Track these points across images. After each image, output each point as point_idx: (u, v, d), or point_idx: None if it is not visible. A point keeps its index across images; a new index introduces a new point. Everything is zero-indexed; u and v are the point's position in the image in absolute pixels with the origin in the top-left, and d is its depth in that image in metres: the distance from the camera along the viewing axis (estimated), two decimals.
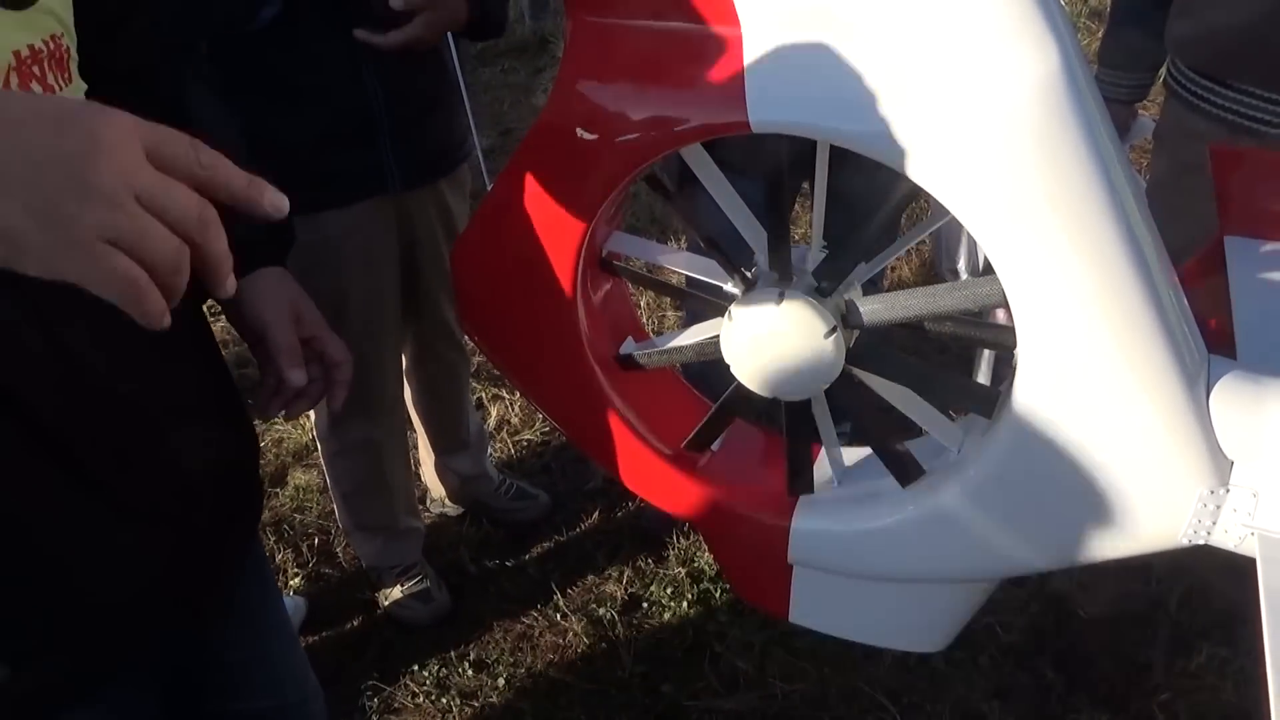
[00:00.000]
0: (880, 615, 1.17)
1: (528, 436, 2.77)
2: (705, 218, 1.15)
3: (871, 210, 0.98)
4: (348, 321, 1.80)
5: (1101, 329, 0.85)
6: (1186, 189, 1.70)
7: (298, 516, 2.53)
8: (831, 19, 0.84)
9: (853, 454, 1.20)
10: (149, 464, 0.92)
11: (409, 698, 2.07)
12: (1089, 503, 0.93)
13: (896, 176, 0.89)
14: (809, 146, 0.99)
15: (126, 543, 0.91)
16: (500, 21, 1.85)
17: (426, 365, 2.23)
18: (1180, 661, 2.01)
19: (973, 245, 2.69)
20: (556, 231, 1.06)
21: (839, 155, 0.96)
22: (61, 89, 0.82)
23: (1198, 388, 0.88)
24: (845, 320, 1.02)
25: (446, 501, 2.52)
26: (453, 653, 2.16)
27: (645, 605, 2.24)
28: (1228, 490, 0.89)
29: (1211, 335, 0.94)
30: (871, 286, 1.14)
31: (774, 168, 1.02)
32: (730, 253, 1.07)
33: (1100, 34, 2.15)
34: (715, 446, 1.23)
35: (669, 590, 2.25)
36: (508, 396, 2.88)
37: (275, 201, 0.61)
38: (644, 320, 2.64)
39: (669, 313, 3.17)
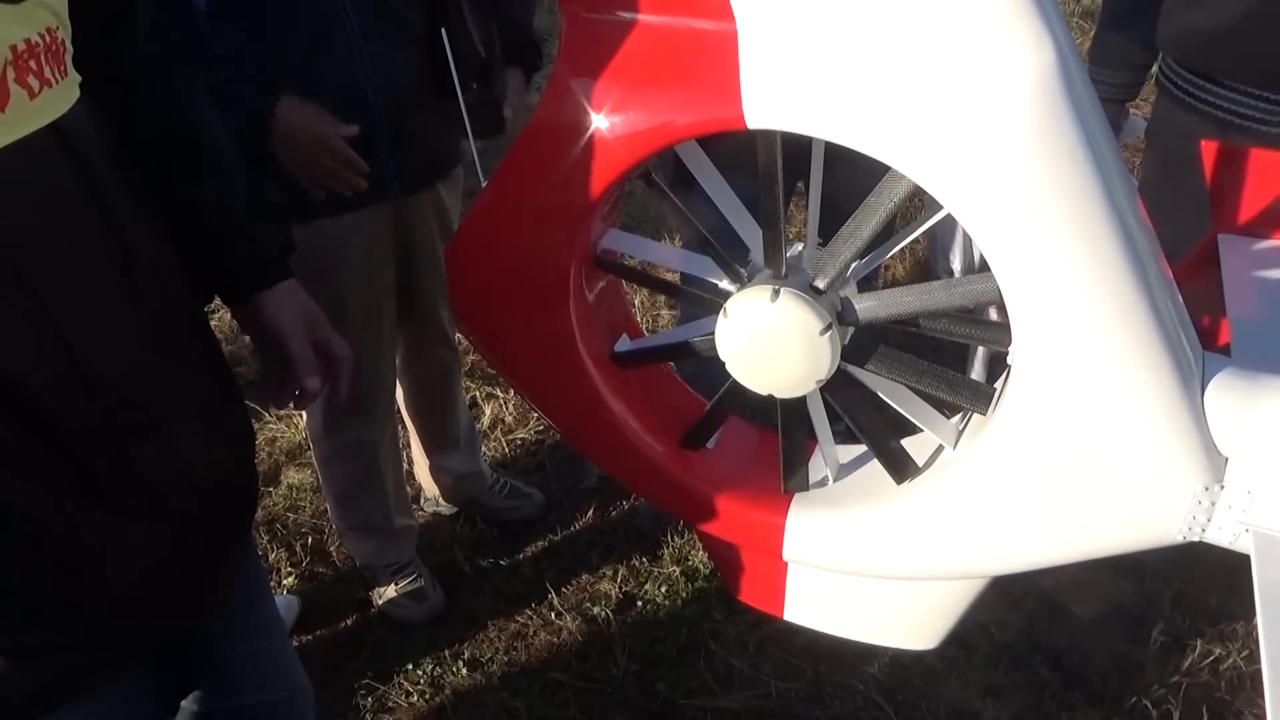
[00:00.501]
0: (875, 613, 1.17)
1: (522, 435, 2.77)
2: (700, 215, 1.15)
3: (867, 207, 0.98)
4: (345, 324, 1.79)
5: (1096, 326, 0.85)
6: (1178, 186, 1.70)
7: (291, 515, 2.52)
8: (827, 16, 0.83)
9: (848, 451, 1.20)
10: (150, 461, 0.92)
11: (403, 696, 2.07)
12: (1083, 500, 0.93)
13: (892, 174, 0.89)
14: (804, 144, 0.99)
15: (127, 539, 0.91)
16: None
17: (419, 364, 2.22)
18: (1174, 660, 2.01)
19: (967, 243, 2.68)
20: (551, 229, 1.06)
21: (834, 153, 0.96)
22: (57, 83, 0.82)
23: (1192, 385, 0.88)
24: (840, 317, 1.02)
25: (440, 501, 2.51)
26: (447, 652, 2.16)
27: (640, 604, 2.23)
28: (1223, 487, 0.89)
29: (1205, 332, 0.95)
30: (866, 284, 1.14)
31: (769, 164, 1.02)
32: (725, 250, 1.07)
33: (1092, 33, 2.15)
34: (710, 444, 1.23)
35: (664, 589, 2.25)
36: (502, 395, 2.88)
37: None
38: (639, 318, 2.64)
39: (664, 310, 3.17)
